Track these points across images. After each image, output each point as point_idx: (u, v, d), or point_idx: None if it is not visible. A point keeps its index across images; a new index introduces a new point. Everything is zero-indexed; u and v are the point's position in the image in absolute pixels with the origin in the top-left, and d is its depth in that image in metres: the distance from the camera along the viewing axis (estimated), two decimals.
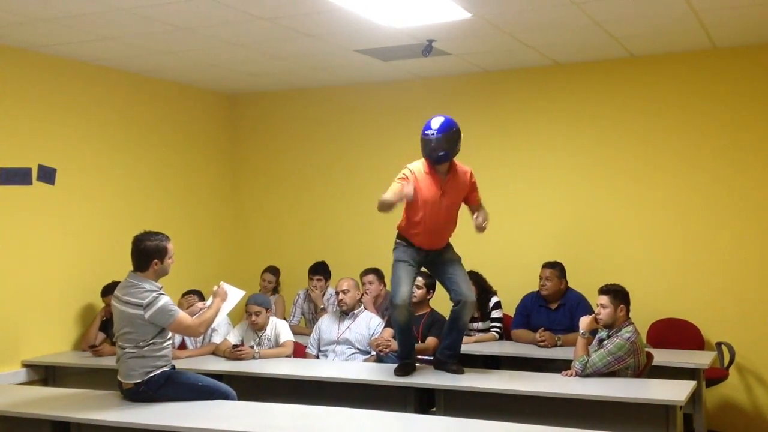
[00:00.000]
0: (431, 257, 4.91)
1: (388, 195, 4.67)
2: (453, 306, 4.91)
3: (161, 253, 4.39)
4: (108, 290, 5.64)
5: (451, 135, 4.73)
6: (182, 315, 4.36)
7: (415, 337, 5.17)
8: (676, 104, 6.22)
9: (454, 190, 4.84)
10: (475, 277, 6.00)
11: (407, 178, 4.76)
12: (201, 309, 4.74)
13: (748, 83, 6.01)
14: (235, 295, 4.75)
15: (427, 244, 4.86)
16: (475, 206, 4.98)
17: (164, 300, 4.30)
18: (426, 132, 4.74)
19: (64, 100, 6.00)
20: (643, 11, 5.06)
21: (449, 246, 4.97)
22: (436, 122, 4.74)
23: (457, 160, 4.89)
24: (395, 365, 4.98)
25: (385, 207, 4.68)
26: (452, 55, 6.09)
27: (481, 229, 4.87)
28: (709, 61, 6.11)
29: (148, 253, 4.37)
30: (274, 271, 6.95)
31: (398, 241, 4.94)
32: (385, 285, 6.26)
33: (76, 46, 5.60)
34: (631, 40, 5.81)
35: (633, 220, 6.33)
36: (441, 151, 4.71)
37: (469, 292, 4.85)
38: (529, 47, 5.91)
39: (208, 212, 7.35)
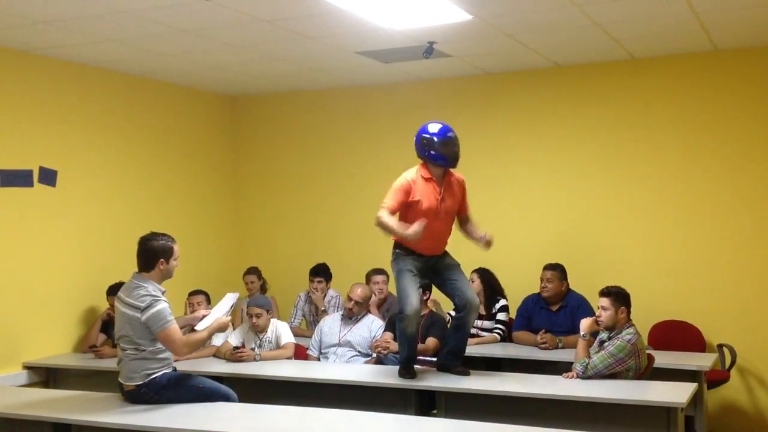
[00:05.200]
0: (432, 263, 4.88)
1: (395, 225, 4.64)
2: (457, 311, 4.89)
3: (167, 254, 4.39)
4: (113, 290, 5.62)
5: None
6: (174, 327, 4.30)
7: (417, 342, 5.15)
8: (676, 106, 6.22)
9: (450, 196, 4.85)
10: (486, 275, 6.02)
11: (410, 188, 4.73)
12: (202, 317, 4.67)
13: (749, 85, 6.01)
14: (229, 299, 4.78)
15: (427, 250, 4.83)
16: (464, 215, 4.99)
17: (162, 306, 4.28)
18: (448, 134, 4.79)
19: (65, 102, 6.00)
20: (643, 13, 5.06)
21: (447, 252, 4.96)
22: (448, 127, 4.84)
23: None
24: (396, 367, 4.98)
25: (386, 231, 4.68)
26: (453, 56, 6.09)
27: (488, 244, 4.86)
28: (710, 63, 6.11)
29: (154, 253, 4.37)
30: (252, 270, 6.85)
31: (397, 251, 4.86)
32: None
33: (77, 48, 5.60)
34: (632, 42, 5.80)
35: (634, 222, 6.33)
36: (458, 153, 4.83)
37: (473, 296, 4.85)
38: (529, 49, 5.91)
39: (209, 213, 7.35)
